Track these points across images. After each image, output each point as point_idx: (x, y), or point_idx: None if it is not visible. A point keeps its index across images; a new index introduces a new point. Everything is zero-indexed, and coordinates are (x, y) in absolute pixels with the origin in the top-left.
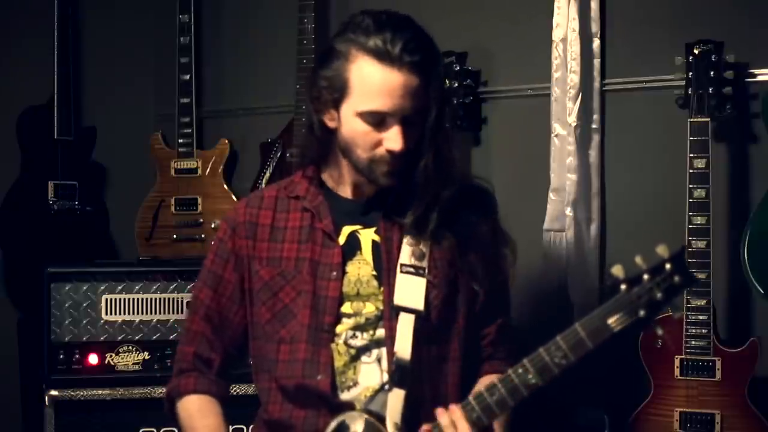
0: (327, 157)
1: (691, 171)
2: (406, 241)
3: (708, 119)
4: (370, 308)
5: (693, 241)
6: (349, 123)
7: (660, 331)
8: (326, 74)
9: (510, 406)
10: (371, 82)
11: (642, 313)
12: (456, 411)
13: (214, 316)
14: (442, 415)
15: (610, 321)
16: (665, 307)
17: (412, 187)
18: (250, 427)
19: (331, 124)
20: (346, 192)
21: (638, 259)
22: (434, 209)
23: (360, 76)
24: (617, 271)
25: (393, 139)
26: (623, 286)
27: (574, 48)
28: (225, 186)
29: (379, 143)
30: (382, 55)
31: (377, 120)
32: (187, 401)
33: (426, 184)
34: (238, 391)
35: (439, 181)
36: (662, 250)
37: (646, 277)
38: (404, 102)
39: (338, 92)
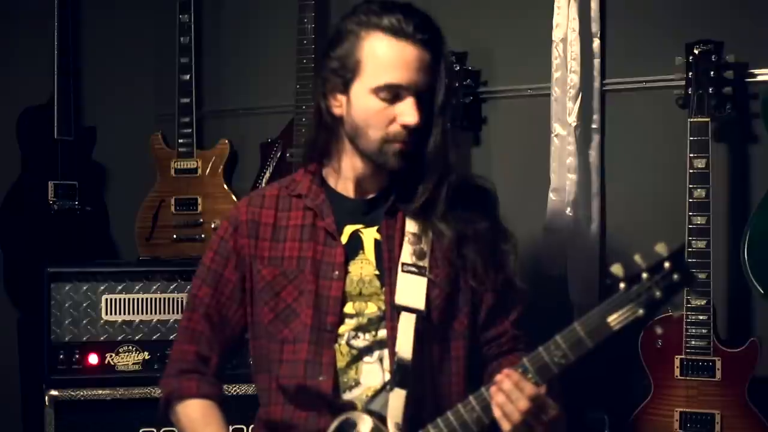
0: (330, 151)
1: (691, 171)
2: (408, 239)
3: (708, 119)
4: (372, 308)
5: (693, 241)
6: (362, 102)
7: (659, 330)
8: (337, 55)
9: None
10: (386, 55)
11: (641, 311)
12: (514, 374)
13: (214, 314)
14: (503, 381)
15: (610, 320)
16: (665, 305)
17: (417, 175)
18: (250, 427)
19: (337, 111)
20: (347, 190)
21: (637, 258)
22: (441, 191)
23: (374, 51)
24: (616, 269)
25: (408, 112)
26: (622, 285)
27: (574, 48)
28: (225, 186)
29: (393, 120)
30: (396, 31)
31: (392, 94)
32: (189, 406)
33: (435, 161)
34: (238, 391)
35: (445, 160)
36: (661, 248)
37: (645, 275)
38: (418, 76)
39: (350, 72)
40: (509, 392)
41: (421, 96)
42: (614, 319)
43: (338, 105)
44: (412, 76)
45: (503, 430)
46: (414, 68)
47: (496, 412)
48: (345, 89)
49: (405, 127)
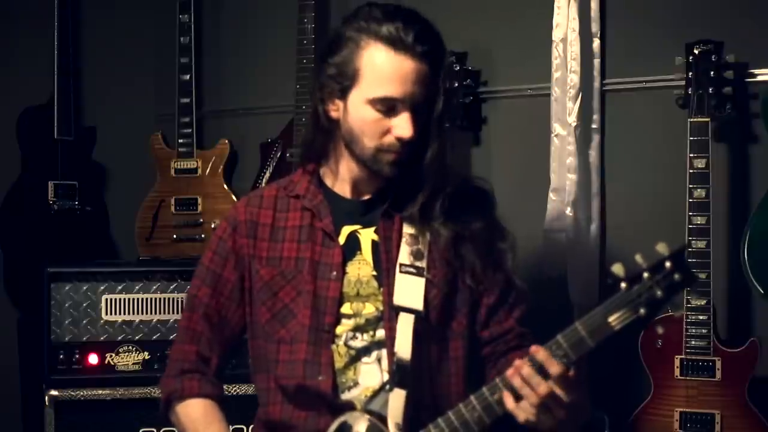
0: (328, 153)
1: (691, 171)
2: (405, 240)
3: (708, 119)
4: (369, 309)
5: (693, 241)
6: (358, 111)
7: (661, 330)
8: (335, 61)
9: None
10: (384, 68)
11: (643, 311)
12: (540, 351)
13: (213, 314)
14: (522, 367)
15: (611, 319)
16: (666, 305)
17: (413, 181)
18: (250, 427)
19: (334, 114)
20: (345, 191)
21: (638, 257)
22: (437, 200)
23: (372, 62)
24: (617, 269)
25: (403, 126)
26: (623, 285)
27: (574, 48)
28: (225, 186)
29: (387, 131)
30: (395, 42)
31: (388, 107)
32: (190, 405)
33: (431, 172)
34: (237, 391)
35: (442, 170)
36: (662, 248)
37: (646, 275)
38: (415, 89)
39: (348, 80)
40: (529, 376)
41: (418, 107)
42: (615, 319)
43: (335, 109)
44: (408, 89)
45: (518, 419)
46: (411, 81)
47: (509, 402)
48: (342, 96)
49: (399, 139)
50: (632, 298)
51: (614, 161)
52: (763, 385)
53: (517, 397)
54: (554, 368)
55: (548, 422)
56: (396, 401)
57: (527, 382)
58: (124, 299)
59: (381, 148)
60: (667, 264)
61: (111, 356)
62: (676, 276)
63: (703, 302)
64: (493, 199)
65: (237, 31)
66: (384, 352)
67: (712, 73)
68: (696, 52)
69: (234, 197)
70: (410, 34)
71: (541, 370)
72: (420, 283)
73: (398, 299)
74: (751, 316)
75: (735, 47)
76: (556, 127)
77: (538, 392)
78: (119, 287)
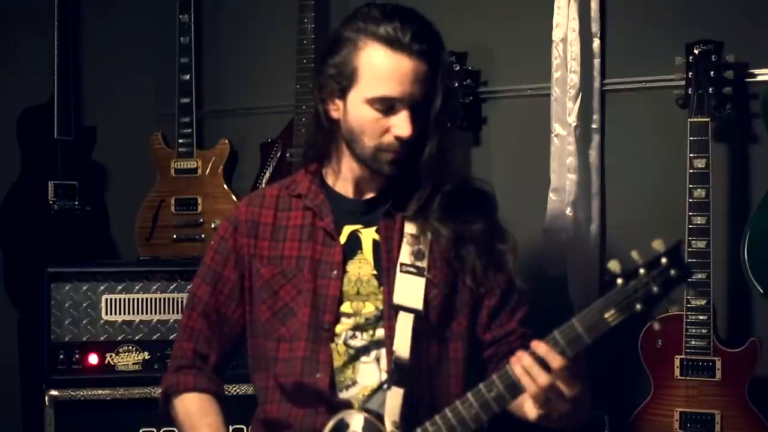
0: (330, 152)
1: (691, 171)
2: (406, 240)
3: (708, 119)
4: (369, 308)
5: (693, 241)
6: (357, 110)
7: (657, 326)
8: (334, 62)
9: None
10: (382, 68)
11: (639, 307)
12: (541, 345)
13: (212, 313)
14: (523, 358)
15: (607, 315)
16: (662, 300)
17: (414, 180)
18: (249, 427)
19: (335, 114)
20: (347, 191)
21: (634, 254)
22: (436, 198)
23: (370, 62)
24: (614, 266)
25: (401, 125)
26: (620, 281)
27: (574, 48)
28: (225, 186)
29: (386, 130)
30: (392, 42)
31: (386, 106)
32: (186, 399)
33: (430, 170)
34: (238, 391)
35: (441, 168)
36: (658, 245)
37: (642, 271)
38: (413, 88)
39: (347, 80)
40: (529, 367)
41: (417, 106)
42: (611, 315)
43: (335, 109)
44: (406, 88)
45: (528, 414)
46: (409, 81)
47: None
48: (342, 96)
49: (398, 138)
50: (628, 294)
51: (614, 161)
52: (763, 385)
53: (520, 389)
54: (556, 362)
55: (554, 415)
56: (393, 400)
57: (527, 372)
58: (124, 299)
59: (380, 148)
60: (663, 260)
61: (111, 356)
62: (673, 272)
63: (703, 302)
64: (493, 200)
65: (237, 31)
66: (383, 351)
67: (712, 73)
68: (696, 52)
69: (234, 197)
70: (408, 33)
71: (543, 364)
72: (420, 282)
73: (398, 298)
74: (751, 316)
75: (735, 47)
76: (556, 127)
77: (538, 383)
78: (119, 287)
